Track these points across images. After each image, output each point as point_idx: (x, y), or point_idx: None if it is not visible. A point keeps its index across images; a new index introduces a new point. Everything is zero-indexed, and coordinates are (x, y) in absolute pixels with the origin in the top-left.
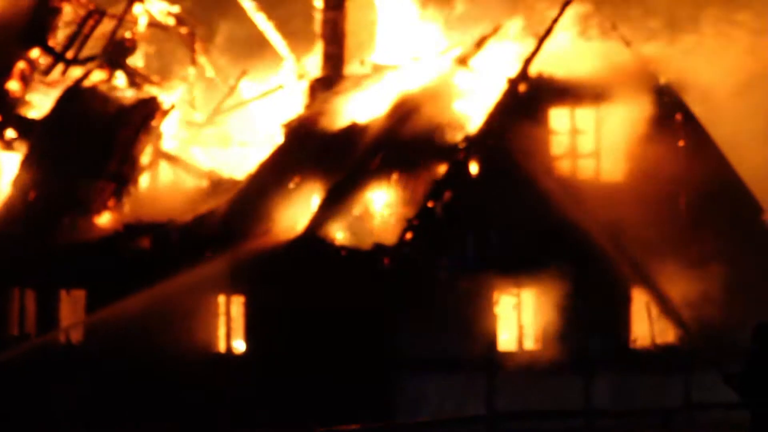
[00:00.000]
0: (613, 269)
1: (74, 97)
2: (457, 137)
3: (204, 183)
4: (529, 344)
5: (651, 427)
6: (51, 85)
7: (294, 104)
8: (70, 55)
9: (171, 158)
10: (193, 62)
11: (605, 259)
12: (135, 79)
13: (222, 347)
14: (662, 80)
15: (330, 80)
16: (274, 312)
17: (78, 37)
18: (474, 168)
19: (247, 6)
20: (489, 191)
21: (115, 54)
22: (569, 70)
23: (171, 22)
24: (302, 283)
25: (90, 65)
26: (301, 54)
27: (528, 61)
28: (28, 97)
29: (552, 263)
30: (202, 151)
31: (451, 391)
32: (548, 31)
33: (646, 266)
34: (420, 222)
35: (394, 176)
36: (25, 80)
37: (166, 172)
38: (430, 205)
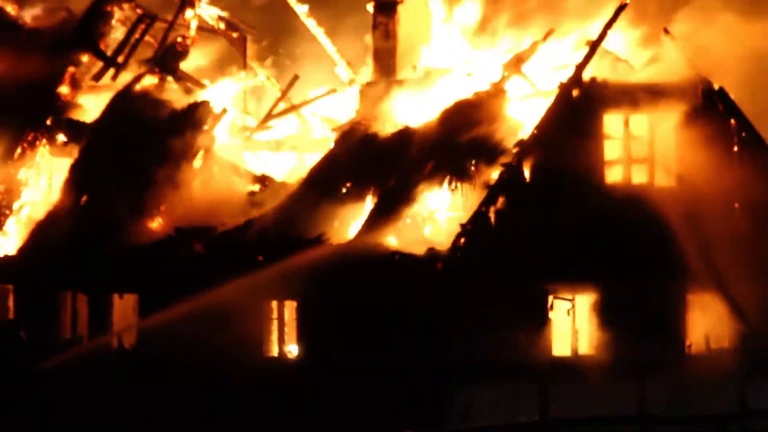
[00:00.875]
0: (670, 273)
1: (126, 102)
2: (510, 143)
3: (256, 188)
4: (584, 350)
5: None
6: (102, 89)
7: (346, 109)
8: (121, 59)
9: (223, 163)
10: (245, 66)
11: (662, 263)
12: (187, 83)
13: (275, 352)
14: (716, 85)
15: (382, 85)
16: (327, 317)
17: (129, 41)
18: (527, 173)
19: (298, 11)
20: (543, 196)
21: (167, 58)
22: (623, 75)
23: (222, 26)
24: (355, 289)
25: (141, 69)
26: (353, 59)
27: (581, 67)
28: (79, 101)
29: (606, 268)
30: (253, 156)
31: (504, 398)
32: (601, 36)
33: (711, 269)
34: (473, 227)
35: (447, 181)
36: (76, 84)
37: (218, 177)
38: (483, 210)
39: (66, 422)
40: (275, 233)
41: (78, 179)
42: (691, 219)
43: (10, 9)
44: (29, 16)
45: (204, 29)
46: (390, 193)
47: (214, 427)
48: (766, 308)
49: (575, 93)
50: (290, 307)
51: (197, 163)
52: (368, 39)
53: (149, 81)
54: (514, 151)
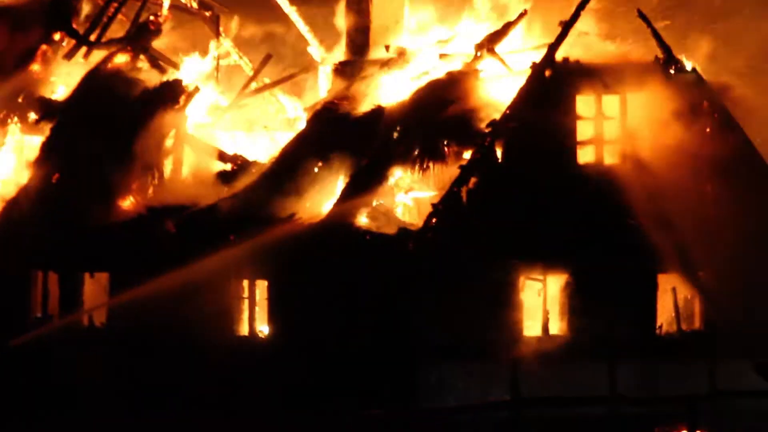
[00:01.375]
0: (641, 255)
1: (97, 80)
2: (483, 123)
3: (228, 167)
4: (554, 330)
5: (675, 414)
6: (74, 67)
7: (318, 88)
8: (93, 37)
9: (195, 142)
10: (217, 45)
11: (634, 245)
12: (159, 62)
13: (246, 331)
14: (689, 66)
15: (354, 65)
16: (299, 296)
17: (101, 19)
18: (499, 154)
19: None
20: (515, 177)
21: (139, 37)
22: (596, 55)
23: (194, 4)
24: (327, 268)
25: (113, 48)
26: (325, 39)
27: (553, 47)
28: (51, 78)
29: (578, 250)
30: (226, 135)
31: (476, 377)
32: (574, 17)
33: (680, 251)
34: (445, 207)
35: (420, 161)
36: (48, 62)
37: (190, 156)
38: (455, 190)
39: (37, 398)
40: (247, 212)
41: (49, 158)
42: (663, 201)
43: None
44: None
45: (177, 7)
46: (362, 172)
47: (182, 404)
48: (737, 290)
49: (548, 73)
50: (261, 287)
51: (169, 141)
52: (340, 20)
53: (121, 59)
54: (487, 131)
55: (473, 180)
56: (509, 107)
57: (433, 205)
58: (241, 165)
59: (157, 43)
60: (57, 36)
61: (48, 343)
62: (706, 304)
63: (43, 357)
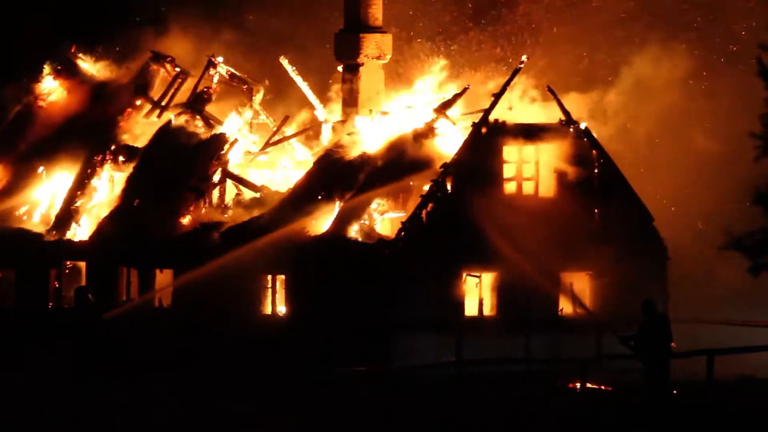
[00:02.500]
0: (548, 258)
1: (166, 133)
2: (437, 165)
3: (257, 195)
4: (487, 312)
5: (572, 371)
6: (150, 125)
7: (321, 140)
8: (164, 103)
9: (234, 177)
10: (251, 109)
11: (542, 251)
12: (209, 120)
13: (269, 311)
14: (582, 126)
15: (347, 123)
16: (307, 287)
17: (170, 90)
18: (449, 186)
19: (289, 70)
20: (460, 203)
21: (196, 102)
22: (517, 117)
23: (235, 80)
24: (326, 267)
25: (178, 110)
26: (327, 104)
27: (488, 111)
28: (134, 132)
29: (503, 255)
30: (256, 173)
31: (432, 345)
32: (502, 90)
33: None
34: (410, 225)
35: (392, 192)
36: (132, 120)
37: (230, 187)
38: (417, 212)
39: (121, 358)
40: (271, 227)
41: (132, 188)
42: (564, 221)
43: (87, 65)
44: (100, 69)
45: (222, 82)
46: (351, 201)
47: (223, 361)
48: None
49: (483, 130)
50: (280, 280)
51: (216, 177)
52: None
53: (183, 118)
54: (440, 170)
55: (431, 205)
56: (456, 153)
57: (402, 223)
58: (266, 194)
59: (209, 107)
60: (138, 101)
61: (129, 318)
62: (593, 294)
63: (126, 328)
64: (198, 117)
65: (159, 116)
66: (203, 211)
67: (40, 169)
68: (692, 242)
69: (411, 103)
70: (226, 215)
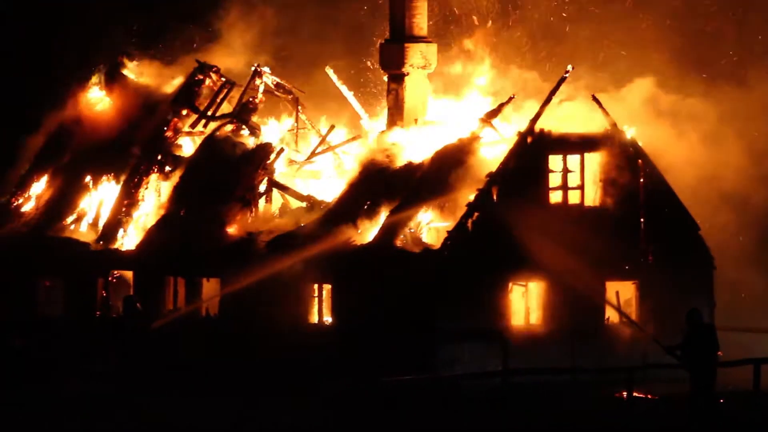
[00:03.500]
0: (596, 269)
1: (212, 143)
2: (483, 174)
3: (303, 204)
4: (533, 321)
5: (618, 380)
6: (196, 134)
7: (367, 149)
8: (209, 113)
9: (280, 186)
10: (296, 119)
11: (589, 262)
12: (255, 130)
13: (315, 319)
14: (628, 135)
15: (393, 132)
16: (353, 296)
17: (215, 100)
18: (495, 196)
19: (334, 79)
20: (505, 212)
21: (242, 112)
22: (563, 126)
23: (281, 90)
24: (373, 276)
25: (224, 120)
26: (372, 113)
27: (533, 121)
28: (180, 142)
29: (550, 264)
30: (302, 182)
31: (478, 353)
32: (548, 99)
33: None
34: (456, 234)
35: (438, 201)
36: (178, 130)
37: (276, 196)
38: (463, 221)
39: (168, 365)
40: (316, 236)
41: (178, 197)
42: (610, 230)
43: (134, 75)
44: (146, 80)
45: (268, 92)
46: (397, 209)
47: (272, 369)
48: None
49: (529, 140)
50: (327, 289)
51: (262, 186)
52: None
53: (229, 128)
54: (486, 180)
55: (476, 214)
56: (502, 162)
57: (448, 232)
58: (312, 203)
59: (254, 117)
60: (185, 112)
61: (177, 327)
62: (639, 302)
63: (173, 337)
64: (244, 126)
65: (205, 126)
66: (249, 220)
67: (87, 178)
68: (738, 250)
69: (456, 113)
70: (272, 224)
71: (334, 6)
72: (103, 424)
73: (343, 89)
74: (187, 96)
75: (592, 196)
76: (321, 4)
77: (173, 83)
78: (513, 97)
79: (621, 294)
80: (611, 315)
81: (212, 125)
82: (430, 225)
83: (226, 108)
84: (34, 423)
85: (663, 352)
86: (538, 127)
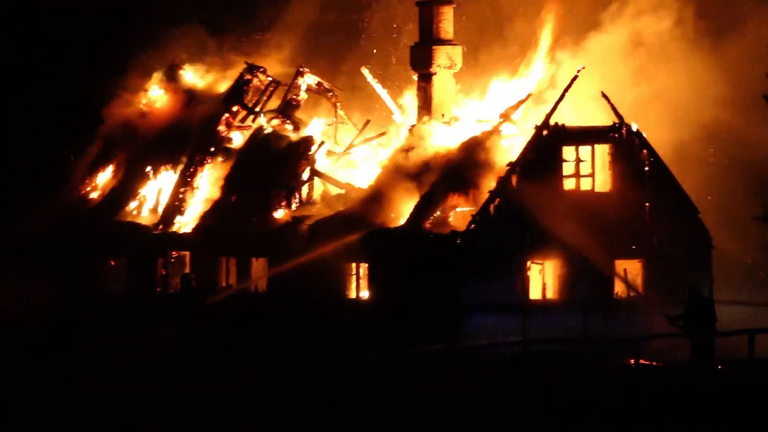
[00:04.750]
0: (603, 248)
1: (260, 136)
2: (503, 163)
3: (342, 191)
4: (549, 295)
5: (624, 348)
6: (245, 128)
7: (399, 141)
8: (257, 109)
9: (321, 175)
10: (335, 114)
11: (599, 242)
12: (299, 124)
13: (353, 295)
14: (634, 128)
15: (422, 126)
16: (387, 273)
17: (262, 98)
18: (514, 183)
19: (369, 78)
20: (524, 198)
21: (286, 109)
22: (575, 120)
23: (321, 88)
24: (405, 255)
25: (270, 115)
26: (403, 109)
27: (548, 115)
28: (231, 135)
29: (564, 244)
30: (341, 171)
31: (500, 326)
32: (561, 97)
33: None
34: (480, 217)
35: (463, 187)
36: (229, 125)
37: (317, 184)
38: (486, 206)
39: (221, 337)
40: (354, 220)
41: (229, 185)
42: (618, 214)
43: (190, 75)
44: (201, 79)
45: (310, 90)
46: (427, 195)
47: (313, 340)
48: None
49: (545, 132)
50: (363, 267)
51: (305, 175)
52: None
53: (275, 123)
54: (506, 169)
55: (497, 200)
56: (520, 154)
57: (472, 216)
58: (350, 190)
59: (298, 113)
60: (235, 108)
61: (228, 302)
62: (645, 279)
63: (225, 311)
64: (288, 121)
65: (253, 121)
66: (293, 205)
67: (148, 168)
68: (735, 231)
69: (479, 108)
70: (314, 209)
71: (364, 11)
72: (159, 388)
73: (378, 87)
74: (237, 94)
75: (602, 183)
76: (352, 11)
77: (224, 82)
78: (531, 94)
79: (628, 271)
80: (620, 290)
81: (259, 120)
82: (456, 209)
83: (272, 105)
84: (100, 387)
85: (667, 322)
86: (552, 121)
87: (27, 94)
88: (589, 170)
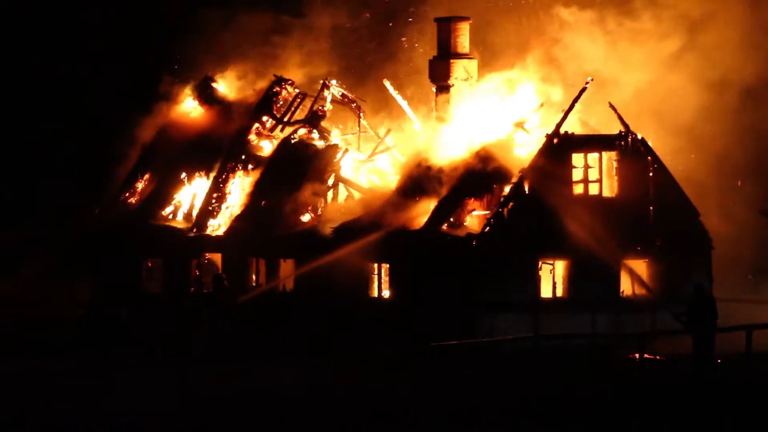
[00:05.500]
0: (610, 248)
1: (288, 144)
2: (516, 170)
3: (365, 196)
4: (560, 294)
5: (630, 344)
6: (274, 137)
7: (419, 149)
8: (285, 119)
9: (345, 181)
10: (359, 123)
11: (606, 243)
12: (324, 134)
13: (375, 294)
14: (639, 136)
15: (440, 134)
16: (407, 273)
17: (290, 108)
18: (526, 188)
19: (390, 90)
20: (536, 202)
21: (312, 119)
22: (584, 129)
23: (345, 99)
24: (424, 256)
25: (297, 125)
26: (423, 119)
27: (558, 125)
28: (260, 144)
29: (573, 245)
30: (364, 177)
31: (513, 323)
32: (571, 107)
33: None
34: (494, 220)
35: (479, 192)
36: (259, 134)
37: (342, 190)
38: (500, 210)
39: (251, 333)
40: (376, 222)
41: (259, 190)
42: (624, 217)
43: (222, 88)
44: (232, 91)
45: (335, 102)
46: (444, 200)
47: (337, 337)
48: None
49: (555, 140)
50: (385, 268)
51: (330, 181)
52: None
53: (302, 132)
54: (518, 175)
55: (511, 204)
56: (532, 160)
57: (487, 219)
58: (373, 195)
59: (323, 122)
60: (264, 118)
61: (258, 301)
62: (649, 278)
63: (255, 309)
64: (314, 130)
65: (282, 130)
66: (319, 210)
67: (183, 175)
68: (734, 231)
69: (494, 118)
70: (338, 213)
71: (387, 26)
72: (193, 381)
73: (399, 98)
74: (266, 105)
75: (609, 188)
76: (375, 26)
77: (254, 94)
78: (542, 104)
79: (634, 270)
80: (625, 288)
81: (288, 130)
82: (472, 213)
83: (299, 115)
84: (137, 380)
85: (671, 318)
86: (562, 129)
87: (73, 107)
88: (597, 176)
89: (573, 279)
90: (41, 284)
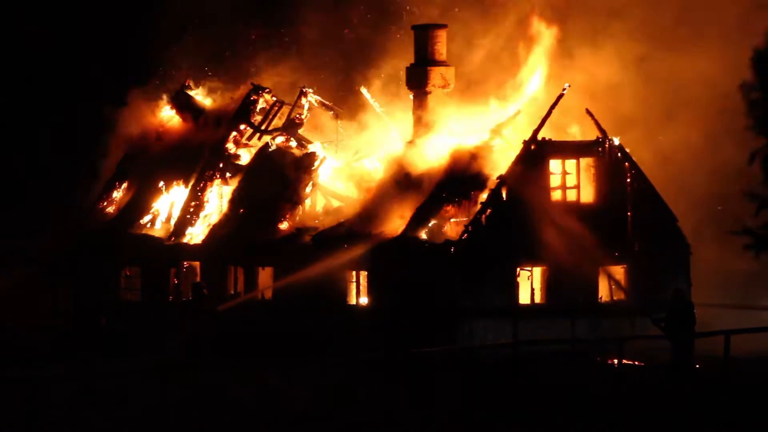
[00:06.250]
0: (587, 256)
1: (265, 153)
2: (494, 176)
3: (343, 204)
4: (538, 299)
5: (610, 349)
6: (252, 146)
7: (395, 156)
8: (263, 127)
9: (322, 189)
10: (336, 131)
11: (584, 250)
12: (302, 141)
13: (353, 301)
14: (616, 141)
15: (418, 141)
16: (385, 281)
17: (268, 116)
18: (504, 195)
19: (368, 98)
20: (513, 208)
21: (290, 127)
22: (561, 135)
23: (323, 107)
24: (401, 263)
25: (275, 134)
26: (400, 126)
27: (536, 131)
28: (238, 152)
29: (550, 252)
30: (341, 184)
31: (492, 328)
32: (548, 114)
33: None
34: (472, 227)
35: (456, 199)
36: (237, 143)
37: (320, 197)
38: (478, 217)
39: (231, 339)
40: (353, 231)
41: (237, 199)
42: (602, 223)
43: (199, 96)
44: (209, 99)
45: (312, 109)
46: (422, 207)
47: (315, 344)
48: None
49: (533, 147)
50: (363, 275)
51: (308, 189)
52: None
53: (279, 140)
54: (496, 181)
55: (489, 210)
56: (510, 166)
57: (465, 226)
58: (350, 203)
59: (301, 130)
60: (242, 126)
61: (237, 309)
62: (627, 283)
63: (233, 316)
64: (292, 138)
65: (259, 139)
66: (297, 217)
67: (160, 184)
68: (711, 235)
69: (472, 125)
70: (317, 221)
71: (367, 33)
72: (173, 388)
73: (375, 105)
74: (244, 113)
75: (587, 194)
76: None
77: (231, 102)
78: (519, 111)
79: (612, 275)
80: (604, 294)
81: (266, 138)
82: (450, 220)
83: (277, 123)
84: (116, 388)
85: (649, 323)
86: (540, 136)
87: (48, 116)
88: (575, 182)
89: (551, 285)
90: (20, 294)
